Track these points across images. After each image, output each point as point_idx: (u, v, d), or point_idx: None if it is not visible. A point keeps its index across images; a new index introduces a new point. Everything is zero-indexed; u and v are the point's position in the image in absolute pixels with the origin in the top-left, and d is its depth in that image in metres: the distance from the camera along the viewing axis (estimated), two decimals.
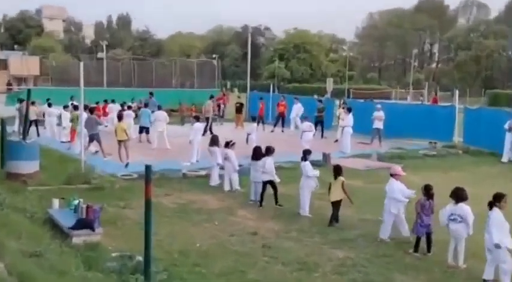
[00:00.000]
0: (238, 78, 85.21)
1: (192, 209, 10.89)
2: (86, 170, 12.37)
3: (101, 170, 13.18)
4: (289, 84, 77.79)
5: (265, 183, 11.21)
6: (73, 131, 17.54)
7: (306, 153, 10.73)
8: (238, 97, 28.67)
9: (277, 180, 11.23)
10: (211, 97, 23.93)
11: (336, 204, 9.90)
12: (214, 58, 52.37)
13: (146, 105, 20.87)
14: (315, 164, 11.15)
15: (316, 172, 10.62)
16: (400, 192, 9.03)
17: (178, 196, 11.87)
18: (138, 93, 33.84)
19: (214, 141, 13.24)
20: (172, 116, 26.81)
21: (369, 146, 19.92)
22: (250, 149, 12.71)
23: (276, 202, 11.18)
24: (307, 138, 17.75)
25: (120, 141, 15.21)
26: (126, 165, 14.60)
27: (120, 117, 16.09)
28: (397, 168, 9.37)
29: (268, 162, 11.14)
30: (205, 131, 20.17)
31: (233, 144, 12.61)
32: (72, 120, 17.64)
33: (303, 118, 19.58)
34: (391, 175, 9.20)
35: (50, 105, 20.81)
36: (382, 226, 9.22)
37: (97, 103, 21.31)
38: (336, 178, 9.86)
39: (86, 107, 17.18)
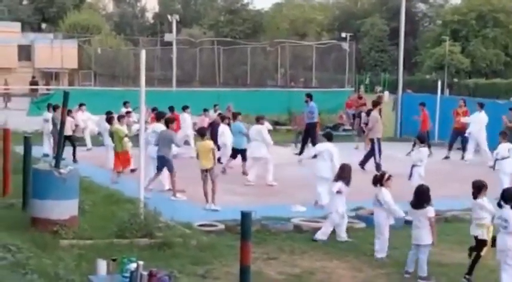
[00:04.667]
0: (383, 70, 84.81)
1: None
2: (147, 216, 12.76)
3: (169, 216, 13.57)
4: (469, 79, 75.91)
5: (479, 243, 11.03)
6: (116, 155, 18.56)
7: (508, 196, 10.35)
8: (378, 96, 27.92)
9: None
10: (376, 105, 23.60)
11: None
12: (345, 39, 52.50)
13: (236, 117, 21.12)
14: None
15: None
16: None
17: (287, 261, 11.93)
18: (224, 95, 34.77)
19: (341, 174, 13.27)
20: (277, 131, 27.21)
21: None
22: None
23: (469, 273, 10.98)
24: (506, 168, 17.14)
25: (205, 171, 15.61)
26: (213, 210, 15.15)
27: (202, 132, 16.34)
28: None
29: (487, 205, 10.96)
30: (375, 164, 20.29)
31: (389, 177, 12.51)
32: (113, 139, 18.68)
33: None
34: None
35: (110, 118, 20.28)
36: None
37: (153, 110, 22.00)
38: None
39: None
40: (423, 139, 17.57)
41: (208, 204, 15.45)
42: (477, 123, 23.41)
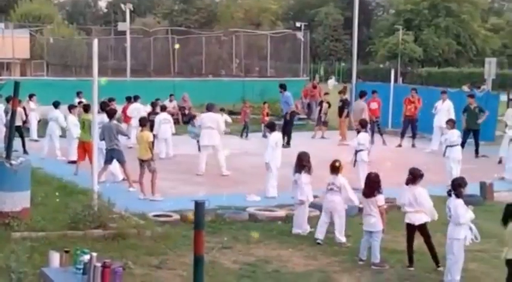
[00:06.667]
0: (338, 59, 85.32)
1: (266, 272, 10.94)
2: (101, 207, 12.71)
3: (123, 207, 13.51)
4: (422, 68, 76.84)
5: (413, 229, 11.15)
6: (82, 145, 18.25)
7: (458, 185, 10.45)
8: (344, 87, 28.10)
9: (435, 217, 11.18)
10: (363, 94, 23.76)
11: None
12: (300, 28, 52.63)
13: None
14: (467, 201, 10.84)
15: (470, 215, 10.35)
16: None
17: (242, 250, 11.98)
18: (179, 85, 34.65)
19: (301, 163, 13.28)
20: (232, 121, 27.23)
21: None
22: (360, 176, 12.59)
23: (437, 262, 11.08)
24: (456, 156, 17.38)
25: (142, 161, 15.67)
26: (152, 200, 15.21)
27: (143, 122, 16.37)
28: None
29: (420, 192, 11.07)
30: None
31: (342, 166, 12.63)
32: (82, 128, 18.37)
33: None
34: None
35: (56, 105, 21.59)
36: None
37: (110, 100, 21.81)
38: (507, 224, 9.53)
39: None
40: (364, 124, 17.93)
41: (142, 194, 15.51)
42: (444, 111, 23.40)
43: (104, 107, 17.88)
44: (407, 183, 11.19)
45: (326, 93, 29.66)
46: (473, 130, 22.30)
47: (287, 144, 22.83)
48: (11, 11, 78.25)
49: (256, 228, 13.30)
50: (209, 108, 19.40)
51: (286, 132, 23.90)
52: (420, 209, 11.03)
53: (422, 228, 11.12)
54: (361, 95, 23.94)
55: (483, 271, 10.89)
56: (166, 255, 11.36)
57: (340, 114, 26.48)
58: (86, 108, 18.87)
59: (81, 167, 17.89)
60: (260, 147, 21.35)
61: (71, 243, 10.70)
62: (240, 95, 34.31)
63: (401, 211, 11.49)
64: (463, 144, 19.26)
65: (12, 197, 12.34)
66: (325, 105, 27.60)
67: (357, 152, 16.93)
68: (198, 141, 19.95)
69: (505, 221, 9.48)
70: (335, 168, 12.50)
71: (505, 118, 22.01)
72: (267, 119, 25.72)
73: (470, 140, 22.39)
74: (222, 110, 23.78)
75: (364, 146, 16.97)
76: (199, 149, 19.67)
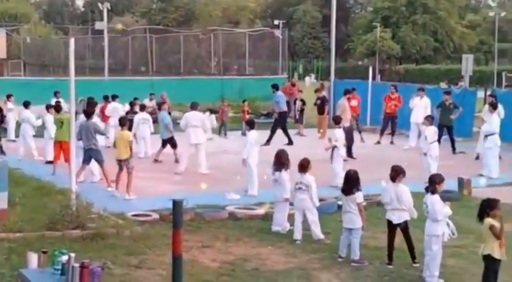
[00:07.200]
0: (316, 57, 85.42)
1: (245, 270, 10.93)
2: (79, 207, 12.66)
3: (102, 207, 13.47)
4: (399, 65, 77.15)
5: (395, 226, 11.20)
6: (58, 145, 18.13)
7: (434, 181, 10.50)
8: (321, 84, 28.22)
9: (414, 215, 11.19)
10: (348, 92, 23.72)
11: (488, 262, 9.57)
12: (278, 26, 52.66)
13: (160, 106, 21.36)
14: (444, 197, 10.89)
15: (447, 211, 10.41)
16: None
17: (222, 249, 11.97)
18: (158, 83, 34.56)
19: (280, 161, 13.28)
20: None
21: None
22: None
23: (414, 258, 11.15)
24: (434, 152, 17.48)
25: (120, 161, 15.65)
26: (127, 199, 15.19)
27: (122, 122, 16.38)
28: None
29: (402, 190, 11.10)
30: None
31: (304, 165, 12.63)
32: (60, 127, 18.23)
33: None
34: None
35: (27, 105, 21.57)
36: None
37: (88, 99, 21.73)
38: (482, 220, 9.58)
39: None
40: (338, 120, 17.98)
41: (117, 192, 15.58)
42: (421, 108, 23.40)
43: (88, 108, 17.88)
44: (392, 181, 11.20)
45: (299, 91, 29.81)
46: (447, 126, 22.37)
47: (267, 142, 22.77)
48: None
49: (235, 226, 13.32)
50: (193, 107, 19.30)
51: (280, 130, 24.12)
52: (402, 207, 11.06)
53: (403, 226, 11.16)
54: (345, 92, 23.96)
55: (461, 266, 10.95)
56: (146, 254, 11.34)
57: (321, 111, 26.59)
58: (57, 109, 18.83)
59: (59, 167, 17.80)
60: (239, 146, 21.39)
61: (49, 244, 10.67)
62: (218, 93, 34.28)
63: (384, 208, 11.49)
64: (439, 141, 19.30)
65: None
66: (298, 102, 27.79)
67: (334, 148, 16.99)
68: (168, 139, 19.92)
69: (480, 217, 9.54)
70: (303, 167, 12.52)
71: (482, 114, 22.16)
72: (247, 117, 25.73)
73: (447, 136, 22.49)
74: (211, 111, 23.95)
75: (340, 142, 17.03)
76: (172, 146, 19.76)
